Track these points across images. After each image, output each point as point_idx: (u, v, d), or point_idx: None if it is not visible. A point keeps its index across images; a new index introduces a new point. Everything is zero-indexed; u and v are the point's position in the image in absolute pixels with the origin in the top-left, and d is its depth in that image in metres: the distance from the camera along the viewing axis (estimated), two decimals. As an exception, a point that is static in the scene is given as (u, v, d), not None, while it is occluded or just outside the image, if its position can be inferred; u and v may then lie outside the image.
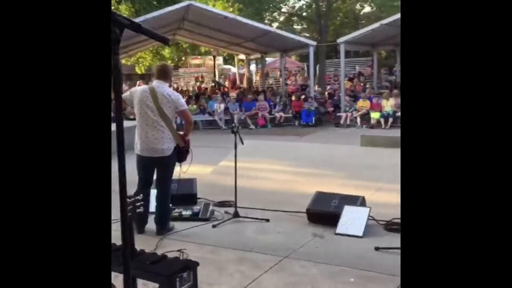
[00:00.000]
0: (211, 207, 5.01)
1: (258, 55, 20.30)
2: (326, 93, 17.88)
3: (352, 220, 4.43)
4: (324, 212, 4.67)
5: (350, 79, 22.03)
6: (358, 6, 25.80)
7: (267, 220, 4.75)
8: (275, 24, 24.15)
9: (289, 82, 22.63)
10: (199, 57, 26.57)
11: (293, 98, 15.63)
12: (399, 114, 13.32)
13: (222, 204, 5.30)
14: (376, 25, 14.93)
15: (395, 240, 4.08)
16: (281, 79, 20.35)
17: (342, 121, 14.04)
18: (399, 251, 3.83)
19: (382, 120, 13.50)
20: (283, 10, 25.32)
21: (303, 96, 15.53)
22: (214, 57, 22.99)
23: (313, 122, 14.20)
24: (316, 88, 17.86)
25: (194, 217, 4.79)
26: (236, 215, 4.80)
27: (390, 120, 13.37)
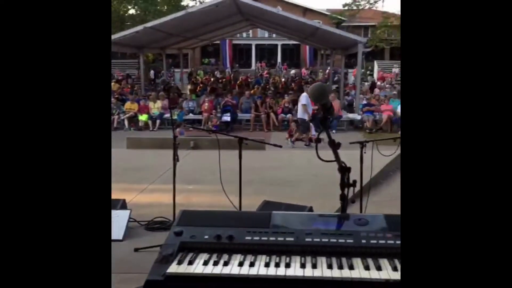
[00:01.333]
0: None
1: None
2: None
3: (112, 224, 4.33)
4: (82, 220, 4.43)
5: (118, 81, 21.58)
6: (122, 7, 25.44)
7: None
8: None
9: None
10: None
11: (54, 100, 14.39)
12: (166, 115, 13.71)
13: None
14: (140, 27, 15.01)
15: (155, 239, 4.16)
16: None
17: (109, 124, 13.64)
18: (157, 249, 3.92)
19: (150, 122, 13.66)
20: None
21: (65, 98, 14.45)
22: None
23: (78, 125, 13.37)
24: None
25: None
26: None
27: (158, 122, 13.64)
